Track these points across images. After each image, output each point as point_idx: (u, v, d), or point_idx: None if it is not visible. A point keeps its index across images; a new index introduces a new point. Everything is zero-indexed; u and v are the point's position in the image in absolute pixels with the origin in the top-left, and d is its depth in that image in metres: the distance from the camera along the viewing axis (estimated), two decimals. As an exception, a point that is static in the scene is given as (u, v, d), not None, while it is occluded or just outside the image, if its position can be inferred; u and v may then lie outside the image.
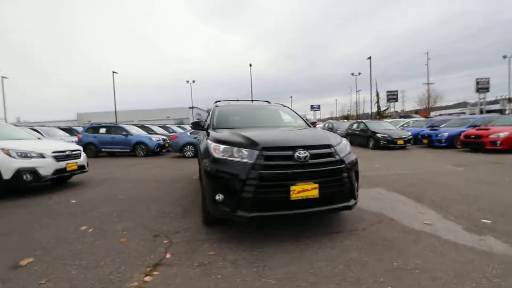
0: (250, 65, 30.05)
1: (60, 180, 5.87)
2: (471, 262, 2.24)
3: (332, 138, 3.00)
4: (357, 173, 2.98)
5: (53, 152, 5.04)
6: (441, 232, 2.85)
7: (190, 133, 11.23)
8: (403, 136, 11.88)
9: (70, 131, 13.62)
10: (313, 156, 2.64)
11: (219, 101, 5.30)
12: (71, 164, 5.36)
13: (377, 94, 36.25)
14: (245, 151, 2.66)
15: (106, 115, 39.14)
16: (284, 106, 4.96)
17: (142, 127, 14.13)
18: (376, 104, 34.96)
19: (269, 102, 5.52)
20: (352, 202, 2.82)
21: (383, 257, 2.36)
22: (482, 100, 39.18)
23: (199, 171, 5.81)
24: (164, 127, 17.96)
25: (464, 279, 2.00)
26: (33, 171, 4.72)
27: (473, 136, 9.82)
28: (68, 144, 5.98)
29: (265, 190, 2.51)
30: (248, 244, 2.68)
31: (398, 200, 4.09)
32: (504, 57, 30.71)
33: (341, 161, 2.76)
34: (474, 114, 34.32)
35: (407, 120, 19.53)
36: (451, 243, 2.61)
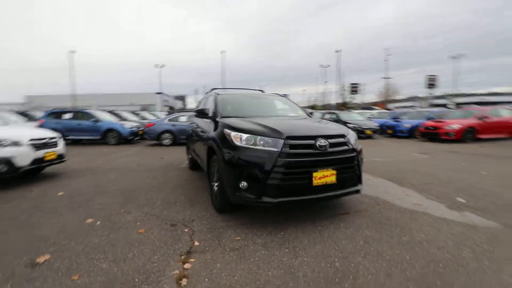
0: (222, 51, 29.24)
1: (30, 172, 5.29)
2: (462, 233, 2.66)
3: (344, 128, 3.22)
4: (362, 160, 3.26)
5: (31, 140, 4.53)
6: (430, 210, 3.29)
7: (168, 120, 10.79)
8: (371, 127, 12.86)
9: (25, 116, 12.08)
10: (331, 145, 2.83)
11: (215, 88, 5.22)
12: (49, 153, 4.87)
13: (343, 86, 38.27)
14: (269, 140, 2.74)
15: (60, 98, 35.31)
16: (281, 96, 5.07)
17: (111, 113, 13.12)
18: (342, 96, 36.97)
19: (262, 91, 5.57)
20: (360, 186, 3.09)
21: (393, 233, 2.68)
22: (430, 95, 43.68)
23: (191, 160, 5.76)
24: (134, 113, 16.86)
25: (462, 247, 2.39)
26: (8, 161, 4.21)
27: (431, 128, 11.05)
28: (44, 131, 5.37)
29: (290, 177, 2.64)
30: (270, 228, 2.82)
31: (385, 184, 4.54)
32: (453, 57, 34.49)
33: (353, 149, 3.00)
34: (423, 107, 38.10)
35: (373, 111, 21.05)
36: (441, 219, 3.04)
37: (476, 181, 4.63)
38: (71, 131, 10.71)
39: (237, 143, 2.84)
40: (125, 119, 13.21)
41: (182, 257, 2.26)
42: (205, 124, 4.10)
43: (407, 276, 1.97)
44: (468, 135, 10.24)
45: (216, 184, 3.30)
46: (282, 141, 2.71)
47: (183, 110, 15.59)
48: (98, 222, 2.99)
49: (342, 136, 3.01)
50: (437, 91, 42.92)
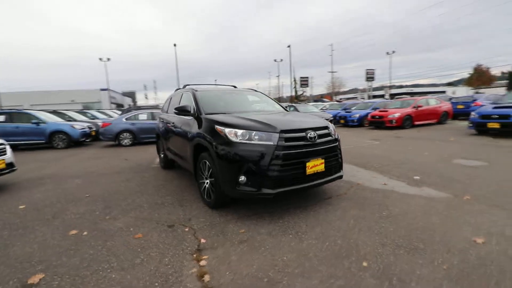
0: (175, 44, 27.73)
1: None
2: (426, 204, 3.17)
3: (325, 121, 3.49)
4: (340, 148, 3.59)
5: (-27, 149, 3.81)
6: (396, 188, 3.81)
7: (126, 119, 9.99)
8: (327, 117, 13.84)
9: None
10: (319, 136, 3.06)
11: (188, 85, 5.07)
12: (-3, 163, 4.17)
13: (295, 80, 39.96)
14: (264, 134, 2.84)
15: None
16: (257, 91, 5.18)
17: (55, 113, 11.52)
18: (294, 89, 38.66)
19: (235, 87, 5.59)
20: (342, 172, 3.42)
21: (374, 210, 3.05)
22: (369, 87, 48.56)
23: (164, 159, 5.52)
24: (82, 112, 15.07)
25: (429, 215, 2.86)
26: None
27: (377, 117, 12.41)
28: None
29: (286, 168, 2.80)
30: (268, 218, 2.95)
31: (353, 169, 5.05)
32: (387, 53, 38.72)
33: (336, 139, 3.30)
34: (363, 98, 42.22)
35: (325, 103, 22.56)
36: (407, 194, 3.55)
37: (422, 161, 5.44)
38: (8, 135, 9.14)
39: (233, 139, 2.88)
40: (73, 120, 11.78)
41: (194, 255, 2.26)
42: (185, 122, 4.01)
43: (397, 244, 2.31)
44: (407, 122, 11.80)
45: (208, 181, 3.29)
46: (277, 135, 2.84)
47: (142, 107, 14.51)
48: (85, 232, 2.75)
49: (326, 127, 3.27)
50: (375, 84, 47.97)
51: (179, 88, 5.62)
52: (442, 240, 2.35)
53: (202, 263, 2.14)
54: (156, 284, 1.90)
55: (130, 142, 9.88)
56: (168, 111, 5.42)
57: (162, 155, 5.84)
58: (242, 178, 2.79)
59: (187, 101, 4.29)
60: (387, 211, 3.01)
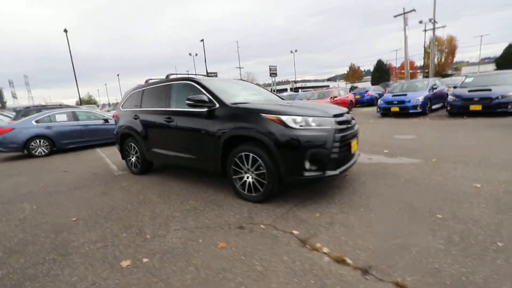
0: (65, 30, 21.95)
1: None
2: (416, 169, 3.97)
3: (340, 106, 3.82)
4: None
5: None
6: (382, 161, 4.57)
7: (37, 121, 7.49)
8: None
9: None
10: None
11: (172, 74, 4.38)
12: None
13: (207, 75, 39.39)
14: (322, 120, 2.88)
15: None
16: (246, 81, 5.01)
17: None
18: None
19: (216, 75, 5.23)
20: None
21: (393, 179, 3.60)
22: (273, 82, 53.55)
23: (134, 164, 4.65)
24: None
25: (428, 175, 3.63)
26: None
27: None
28: None
29: (342, 149, 2.96)
30: (323, 201, 3.03)
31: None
32: (291, 51, 43.43)
33: (355, 122, 3.68)
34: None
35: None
36: (395, 164, 4.33)
37: (372, 139, 6.62)
38: None
39: (293, 125, 2.79)
40: None
41: (307, 246, 2.14)
42: (196, 115, 3.54)
43: (438, 197, 2.87)
44: (328, 110, 13.84)
45: (251, 175, 3.06)
46: (333, 119, 2.94)
47: (59, 106, 11.15)
48: (145, 260, 2.10)
49: (348, 112, 3.60)
50: (278, 79, 53.04)
51: (151, 79, 4.78)
52: (453, 189, 3.06)
53: (325, 250, 2.07)
54: (312, 281, 1.74)
55: (47, 151, 7.53)
56: (142, 106, 4.54)
57: (134, 159, 4.84)
58: (308, 164, 2.77)
59: (186, 93, 3.76)
60: (402, 178, 3.62)
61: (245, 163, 3.09)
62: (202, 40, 32.73)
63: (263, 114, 2.94)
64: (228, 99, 3.44)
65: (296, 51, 42.37)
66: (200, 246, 2.26)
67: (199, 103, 3.38)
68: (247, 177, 3.13)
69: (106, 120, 8.64)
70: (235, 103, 3.35)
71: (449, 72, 45.34)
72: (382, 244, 2.09)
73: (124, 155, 5.08)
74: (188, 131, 3.68)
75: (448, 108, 9.03)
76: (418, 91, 10.35)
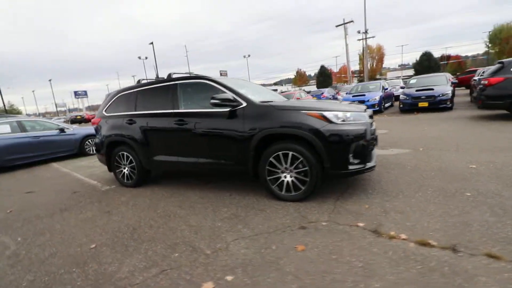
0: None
1: None
2: (413, 158, 4.40)
3: None
4: None
5: None
6: (380, 152, 4.95)
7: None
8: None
9: None
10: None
11: (175, 73, 3.96)
12: None
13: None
14: (358, 115, 2.96)
15: None
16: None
17: None
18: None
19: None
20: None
21: (401, 168, 3.92)
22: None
23: (128, 176, 4.03)
24: None
25: (426, 162, 4.05)
26: None
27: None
28: None
29: (374, 141, 3.10)
30: (357, 191, 3.12)
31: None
32: (244, 56, 43.90)
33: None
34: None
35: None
36: (393, 155, 4.72)
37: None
38: None
39: (337, 121, 2.80)
40: None
41: (384, 236, 2.15)
42: (218, 116, 3.30)
43: (449, 180, 3.23)
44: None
45: (289, 174, 2.97)
46: (366, 114, 3.05)
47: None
48: (229, 277, 1.82)
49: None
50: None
51: (143, 80, 4.26)
52: (456, 172, 3.50)
53: (403, 236, 2.11)
54: (419, 267, 1.75)
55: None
56: (138, 110, 4.01)
57: (127, 170, 4.21)
58: (352, 158, 2.81)
59: (199, 92, 3.50)
60: (408, 166, 3.96)
61: (283, 162, 2.98)
62: (152, 43, 30.68)
63: (305, 111, 2.89)
64: (255, 98, 3.29)
65: (249, 55, 43.17)
66: (278, 252, 2.07)
67: (225, 102, 3.14)
68: (284, 177, 3.02)
69: (61, 130, 7.33)
70: (264, 102, 3.21)
71: (378, 76, 52.18)
72: (445, 224, 2.24)
73: (113, 166, 4.37)
74: (209, 133, 3.37)
75: (401, 105, 10.33)
76: (373, 92, 11.59)
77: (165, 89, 3.82)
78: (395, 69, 66.53)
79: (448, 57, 56.79)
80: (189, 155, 3.62)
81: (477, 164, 3.65)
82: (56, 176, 5.61)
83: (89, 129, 8.09)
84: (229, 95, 3.20)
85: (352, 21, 29.38)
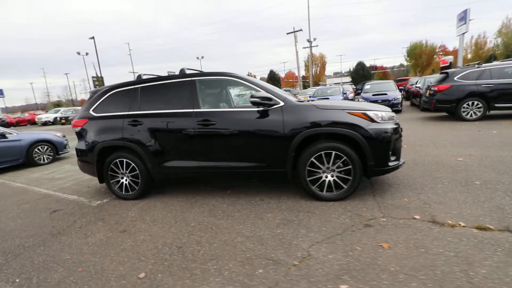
0: None
1: None
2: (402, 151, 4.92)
3: None
4: None
5: None
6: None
7: None
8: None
9: None
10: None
11: (188, 69, 3.55)
12: None
13: (98, 78, 33.12)
14: (390, 114, 3.11)
15: None
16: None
17: None
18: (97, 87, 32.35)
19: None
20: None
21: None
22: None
23: (129, 186, 3.42)
24: None
25: (409, 157, 4.58)
26: None
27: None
28: None
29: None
30: (393, 184, 3.29)
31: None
32: (198, 58, 42.25)
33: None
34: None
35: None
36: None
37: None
38: None
39: (379, 120, 2.90)
40: None
41: (446, 225, 2.30)
42: (251, 115, 3.09)
43: (453, 171, 3.69)
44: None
45: (330, 173, 2.95)
46: (394, 114, 3.23)
47: None
48: (344, 286, 1.67)
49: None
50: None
51: (145, 75, 3.70)
52: (451, 164, 4.02)
53: (462, 223, 2.29)
54: (499, 250, 1.91)
55: None
56: (142, 109, 3.47)
57: (127, 180, 3.57)
58: (392, 155, 2.95)
59: (222, 90, 3.23)
60: (409, 162, 4.37)
61: (325, 161, 2.95)
62: (93, 38, 26.99)
63: (347, 111, 2.91)
64: (292, 98, 3.18)
65: (202, 57, 41.86)
66: (368, 253, 2.01)
67: (265, 100, 2.94)
68: (326, 176, 2.99)
69: (2, 136, 5.80)
70: (300, 101, 3.13)
71: (320, 82, 56.94)
72: (484, 209, 2.52)
73: (106, 176, 3.64)
74: (242, 134, 3.10)
75: (360, 108, 11.41)
76: (335, 95, 12.53)
77: (180, 86, 3.37)
78: (330, 76, 73.18)
79: (375, 67, 65.65)
80: (213, 159, 3.27)
81: (462, 157, 4.26)
82: (11, 193, 4.39)
83: (38, 134, 6.62)
84: (266, 94, 3.01)
85: (301, 30, 31.42)
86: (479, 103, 7.20)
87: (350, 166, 2.90)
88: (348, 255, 2.01)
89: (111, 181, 3.64)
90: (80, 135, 3.75)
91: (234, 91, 4.08)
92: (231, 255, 2.13)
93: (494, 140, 5.18)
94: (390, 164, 2.96)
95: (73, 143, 4.85)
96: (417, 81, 13.08)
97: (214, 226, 2.66)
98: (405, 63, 50.48)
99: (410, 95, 13.89)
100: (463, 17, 23.10)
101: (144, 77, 3.67)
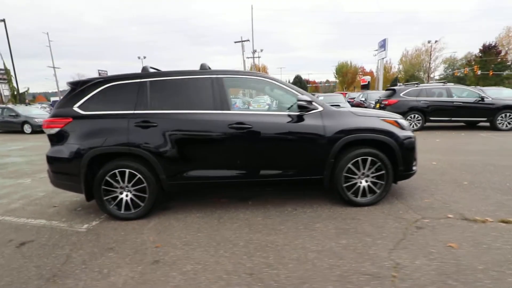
0: None
1: None
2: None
3: None
4: None
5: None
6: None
7: None
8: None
9: None
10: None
11: (206, 64, 3.10)
12: None
13: (7, 71, 26.69)
14: (408, 123, 3.37)
15: None
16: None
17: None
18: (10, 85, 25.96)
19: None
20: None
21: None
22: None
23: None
24: None
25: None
26: None
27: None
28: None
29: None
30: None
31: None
32: (139, 57, 38.07)
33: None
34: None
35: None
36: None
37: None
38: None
39: (406, 127, 3.09)
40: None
41: (477, 221, 2.58)
42: (288, 119, 2.92)
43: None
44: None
45: (364, 179, 3.00)
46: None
47: None
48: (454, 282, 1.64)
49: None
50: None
51: (151, 68, 3.09)
52: (431, 168, 4.63)
53: (489, 219, 2.62)
54: (537, 239, 2.24)
55: None
56: (152, 107, 2.88)
57: (129, 196, 2.85)
58: (414, 160, 3.18)
59: (256, 91, 2.92)
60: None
61: (361, 167, 2.98)
62: (3, 20, 21.25)
63: (381, 118, 3.02)
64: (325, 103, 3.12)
65: (144, 57, 37.99)
66: (446, 255, 2.06)
67: (310, 105, 2.79)
68: (360, 182, 3.02)
69: None
70: (334, 106, 3.10)
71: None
72: (491, 205, 2.94)
73: (98, 192, 2.80)
74: (282, 140, 2.87)
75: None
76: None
77: (204, 83, 2.91)
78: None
79: (308, 81, 72.68)
80: (244, 167, 2.91)
81: (435, 161, 4.96)
82: None
83: None
84: (310, 97, 2.87)
85: (248, 40, 32.29)
86: (419, 116, 8.67)
87: (383, 171, 3.01)
88: (431, 259, 2.03)
89: (105, 198, 2.83)
90: (58, 138, 2.81)
91: (239, 94, 3.79)
92: (319, 275, 1.88)
93: (445, 146, 6.27)
94: (413, 168, 3.20)
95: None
96: (360, 95, 15.01)
97: (270, 243, 2.33)
98: (335, 80, 57.54)
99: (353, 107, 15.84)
100: (383, 45, 28.15)
101: (151, 69, 3.04)
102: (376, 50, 29.80)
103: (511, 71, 37.80)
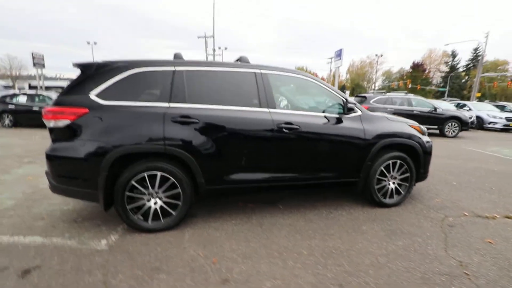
0: None
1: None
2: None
3: None
4: None
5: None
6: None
7: None
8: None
9: None
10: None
11: (245, 58, 2.84)
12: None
13: None
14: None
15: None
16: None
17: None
18: None
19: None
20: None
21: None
22: (39, 75, 38.03)
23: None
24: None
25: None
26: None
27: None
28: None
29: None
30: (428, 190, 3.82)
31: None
32: (88, 43, 33.13)
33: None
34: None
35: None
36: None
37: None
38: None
39: (425, 133, 3.35)
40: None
41: (488, 217, 2.94)
42: (325, 123, 2.86)
43: None
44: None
45: (392, 181, 3.16)
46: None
47: None
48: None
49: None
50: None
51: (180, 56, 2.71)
52: None
53: (497, 216, 3.01)
54: (541, 231, 2.65)
55: None
56: (188, 100, 2.50)
57: (158, 204, 2.42)
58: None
59: (295, 90, 2.92)
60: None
61: (391, 170, 3.11)
62: None
63: (409, 124, 3.21)
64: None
65: (95, 43, 33.25)
66: (492, 251, 2.27)
67: (355, 108, 2.78)
68: (389, 184, 3.16)
69: None
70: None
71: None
72: (488, 203, 3.40)
73: (122, 200, 2.28)
74: (326, 142, 2.80)
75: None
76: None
77: (247, 78, 2.64)
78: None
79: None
80: (286, 170, 2.75)
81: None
82: None
83: None
84: (354, 101, 2.87)
85: (212, 36, 31.31)
86: (385, 122, 9.61)
87: (408, 174, 3.20)
88: (483, 255, 2.21)
89: (129, 207, 2.33)
90: (68, 133, 2.19)
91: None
92: (403, 280, 1.87)
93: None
94: (427, 174, 3.49)
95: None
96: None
97: (334, 250, 2.24)
98: (291, 84, 60.11)
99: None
100: (339, 54, 30.59)
101: (184, 58, 2.63)
102: (331, 58, 32.39)
103: (431, 86, 45.23)
